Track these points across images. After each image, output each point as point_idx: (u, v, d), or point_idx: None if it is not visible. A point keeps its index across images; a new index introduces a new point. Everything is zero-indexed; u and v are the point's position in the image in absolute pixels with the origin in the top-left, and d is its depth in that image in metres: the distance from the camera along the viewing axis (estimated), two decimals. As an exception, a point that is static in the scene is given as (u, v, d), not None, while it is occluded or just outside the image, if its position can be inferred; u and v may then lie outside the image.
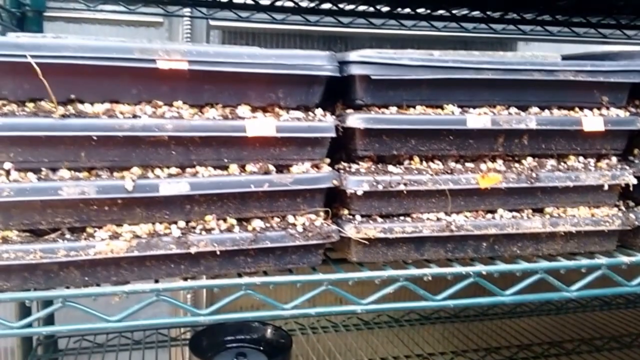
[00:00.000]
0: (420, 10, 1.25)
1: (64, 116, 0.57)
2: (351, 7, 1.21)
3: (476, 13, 1.27)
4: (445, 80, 0.69)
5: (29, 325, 0.58)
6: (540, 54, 0.78)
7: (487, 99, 0.72)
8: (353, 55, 0.67)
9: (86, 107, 0.59)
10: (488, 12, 1.27)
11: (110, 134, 0.58)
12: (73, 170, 0.59)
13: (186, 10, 1.21)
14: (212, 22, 1.25)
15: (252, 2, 1.16)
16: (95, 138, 0.58)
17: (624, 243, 0.80)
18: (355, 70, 0.67)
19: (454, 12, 1.26)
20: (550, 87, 0.73)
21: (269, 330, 0.92)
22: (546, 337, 1.37)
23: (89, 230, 0.60)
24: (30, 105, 0.58)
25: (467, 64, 0.69)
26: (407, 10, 1.25)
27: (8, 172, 0.57)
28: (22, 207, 0.57)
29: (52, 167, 0.58)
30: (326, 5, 1.21)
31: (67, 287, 0.60)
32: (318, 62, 0.65)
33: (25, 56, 0.55)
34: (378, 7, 1.22)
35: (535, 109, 0.74)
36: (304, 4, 1.20)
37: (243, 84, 0.64)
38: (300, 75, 0.64)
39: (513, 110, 0.73)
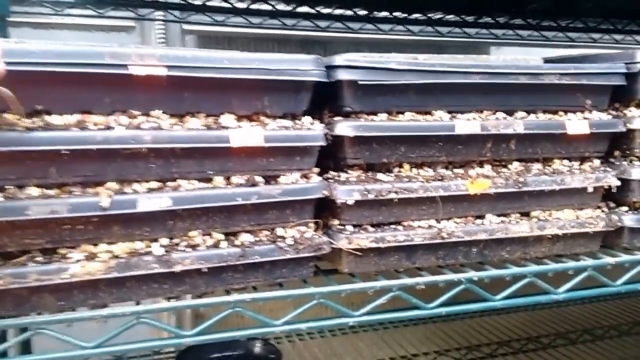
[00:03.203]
0: (397, 14, 1.21)
1: (30, 129, 0.50)
2: (328, 10, 1.16)
3: (451, 17, 1.23)
4: (433, 85, 0.64)
5: (3, 354, 0.51)
6: (522, 58, 0.74)
7: (475, 104, 0.68)
8: (339, 60, 0.62)
9: (55, 119, 0.52)
10: (462, 16, 1.24)
11: (83, 147, 0.51)
12: (42, 187, 0.52)
13: (159, 14, 1.14)
14: (186, 27, 1.18)
15: (228, 5, 1.10)
16: (65, 152, 0.51)
17: (606, 243, 0.76)
18: (342, 75, 0.61)
19: (429, 15, 1.22)
20: (536, 90, 0.70)
21: (257, 346, 0.86)
22: (524, 332, 1.35)
23: (62, 251, 0.53)
24: (-7, 117, 0.51)
25: (455, 68, 0.65)
26: (385, 13, 1.20)
27: (-30, 192, 0.50)
28: (-13, 229, 0.50)
29: (19, 185, 0.51)
30: (303, 9, 1.15)
31: (39, 313, 0.53)
32: (304, 66, 0.59)
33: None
34: (355, 10, 1.18)
35: (521, 113, 0.70)
36: (280, 7, 1.14)
37: (226, 91, 0.57)
38: (286, 80, 0.59)
39: (500, 114, 0.69)
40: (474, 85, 0.66)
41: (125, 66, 0.52)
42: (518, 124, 0.67)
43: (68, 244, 0.53)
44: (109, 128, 0.52)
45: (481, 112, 0.68)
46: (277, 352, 0.86)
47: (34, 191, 0.51)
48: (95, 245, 0.54)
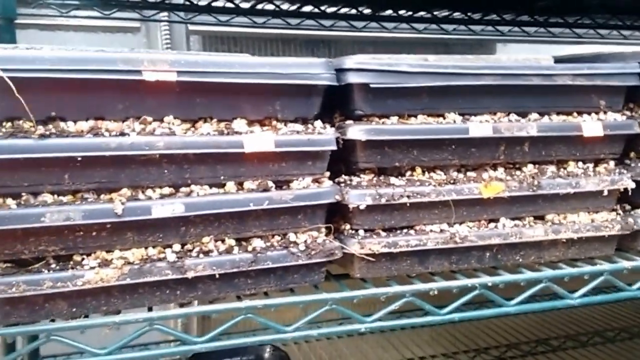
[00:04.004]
0: (401, 12, 1.21)
1: (44, 136, 0.51)
2: (333, 9, 1.16)
3: (457, 14, 1.24)
4: (445, 87, 0.64)
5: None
6: (534, 58, 0.75)
7: (487, 106, 0.68)
8: (350, 63, 0.62)
9: (69, 126, 0.52)
10: (469, 14, 1.24)
11: (96, 154, 0.52)
12: (56, 194, 0.53)
13: (164, 15, 1.15)
14: (191, 27, 1.18)
15: (232, 6, 1.10)
16: (79, 159, 0.52)
17: (621, 247, 0.77)
18: (353, 78, 0.62)
19: (435, 13, 1.22)
20: (549, 92, 0.70)
21: (267, 351, 0.86)
22: (533, 334, 1.35)
23: (77, 258, 0.54)
24: (7, 125, 0.51)
25: (467, 69, 0.65)
26: (389, 12, 1.21)
27: (-16, 199, 0.50)
28: (1, 236, 0.51)
29: (33, 192, 0.52)
30: (307, 8, 1.15)
31: (53, 320, 0.54)
32: (315, 70, 0.60)
33: (-3, 71, 0.49)
34: (360, 9, 1.18)
35: (534, 115, 0.70)
36: (285, 7, 1.14)
37: (237, 95, 0.58)
38: (297, 85, 0.59)
39: (513, 116, 0.69)
40: (487, 87, 0.66)
41: (138, 72, 0.52)
42: (532, 126, 0.68)
43: (82, 251, 0.54)
44: (122, 134, 0.53)
45: (494, 114, 0.69)
46: (286, 357, 0.86)
47: (48, 198, 0.52)
48: (109, 251, 0.54)
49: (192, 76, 0.54)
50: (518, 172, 0.70)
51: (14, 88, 0.49)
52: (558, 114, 0.72)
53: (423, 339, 1.31)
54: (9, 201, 0.51)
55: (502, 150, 0.68)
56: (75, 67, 0.51)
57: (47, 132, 0.51)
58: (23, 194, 0.52)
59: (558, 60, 0.74)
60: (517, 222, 0.70)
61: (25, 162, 0.50)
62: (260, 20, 1.15)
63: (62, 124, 0.52)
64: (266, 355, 0.86)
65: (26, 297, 0.51)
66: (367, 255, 0.63)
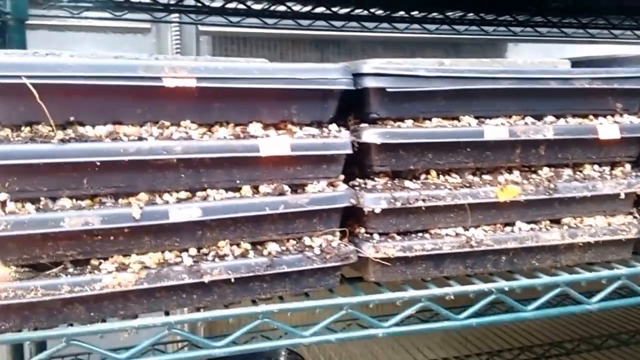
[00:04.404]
0: (413, 13, 1.22)
1: (63, 141, 0.52)
2: (345, 10, 1.17)
3: (470, 15, 1.24)
4: (462, 90, 0.65)
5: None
6: (550, 61, 0.75)
7: (503, 109, 0.69)
8: (367, 67, 0.63)
9: (87, 130, 0.53)
10: (481, 15, 1.25)
11: (115, 159, 0.53)
12: (75, 198, 0.53)
13: (174, 16, 1.16)
14: (201, 28, 1.19)
15: (243, 7, 1.11)
16: (98, 163, 0.52)
17: (637, 250, 0.77)
18: (370, 83, 0.63)
19: (447, 14, 1.23)
20: (566, 95, 0.70)
21: (282, 354, 0.87)
22: (546, 337, 1.36)
23: (94, 262, 0.54)
24: (26, 129, 0.52)
25: (483, 73, 0.66)
26: (401, 13, 1.21)
27: (4, 204, 0.51)
28: (20, 241, 0.51)
29: (52, 196, 0.53)
30: (319, 9, 1.16)
31: (71, 324, 0.55)
32: (332, 75, 0.61)
33: (20, 77, 0.50)
34: (371, 10, 1.18)
35: (550, 118, 0.71)
36: (296, 8, 1.15)
37: (254, 100, 0.59)
38: (313, 89, 0.60)
39: (529, 119, 0.69)
40: (503, 91, 0.67)
41: (158, 78, 0.53)
42: (548, 129, 0.68)
43: (100, 255, 0.54)
44: (140, 139, 0.54)
45: (510, 117, 0.69)
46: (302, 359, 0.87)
47: (66, 202, 0.53)
48: (127, 256, 0.55)
49: (211, 82, 0.55)
50: (534, 176, 0.70)
51: (36, 94, 0.49)
52: (574, 116, 0.72)
53: (434, 341, 1.31)
54: (28, 206, 0.52)
55: (517, 153, 0.69)
56: (96, 74, 0.52)
57: (67, 137, 0.52)
58: (42, 198, 0.52)
59: (575, 63, 0.74)
60: (533, 225, 0.70)
61: (45, 167, 0.51)
62: (271, 21, 1.15)
63: (80, 129, 0.53)
64: (281, 358, 0.87)
65: (44, 302, 0.52)
66: (382, 259, 0.63)
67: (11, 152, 0.50)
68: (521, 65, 0.70)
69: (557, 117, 0.71)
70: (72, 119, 0.53)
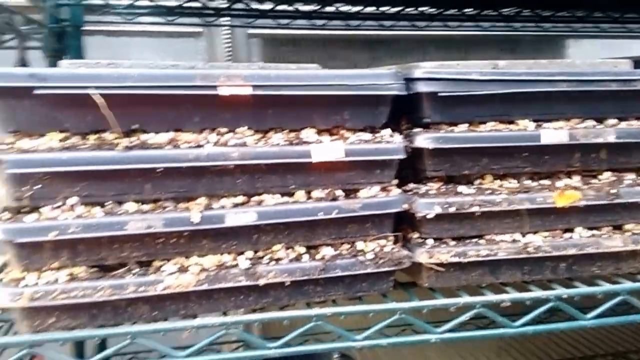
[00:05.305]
0: (466, 10, 1.22)
1: (128, 148, 0.56)
2: (394, 9, 1.19)
3: (525, 12, 1.24)
4: (517, 94, 0.66)
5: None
6: (610, 61, 0.75)
7: (562, 112, 0.69)
8: (418, 72, 0.65)
9: (149, 138, 0.58)
10: (538, 10, 1.24)
11: (175, 165, 0.57)
12: (138, 202, 0.58)
13: (225, 20, 1.21)
14: (251, 31, 1.24)
15: (292, 9, 1.15)
16: (160, 170, 0.57)
17: None
18: (422, 87, 0.64)
19: (502, 11, 1.23)
20: (627, 97, 0.70)
21: (335, 357, 0.90)
22: (609, 347, 1.33)
23: (157, 263, 0.59)
24: (93, 137, 0.57)
25: (539, 76, 0.67)
26: (453, 10, 1.22)
27: (73, 207, 0.56)
28: (89, 242, 0.56)
29: (117, 200, 0.57)
30: (368, 9, 1.19)
31: (135, 323, 0.59)
32: (383, 80, 0.63)
33: (87, 88, 0.54)
34: (422, 8, 1.20)
35: (612, 121, 0.71)
36: (344, 8, 1.18)
37: (307, 106, 0.62)
38: (365, 95, 0.63)
39: (589, 122, 0.70)
40: (561, 93, 0.68)
41: (214, 87, 0.57)
42: (609, 132, 0.68)
43: (162, 257, 0.59)
44: (199, 146, 0.58)
45: (568, 120, 0.70)
46: (354, 364, 0.90)
47: (131, 207, 0.57)
48: (187, 258, 0.59)
49: (266, 90, 0.59)
50: (594, 180, 0.71)
51: (104, 104, 0.54)
52: (637, 119, 0.72)
53: (491, 349, 1.31)
54: (96, 210, 0.57)
55: (577, 158, 0.69)
56: (156, 84, 0.56)
57: (131, 145, 0.56)
58: (108, 203, 0.57)
59: (637, 62, 0.74)
60: (593, 231, 0.70)
61: (111, 173, 0.56)
62: (320, 22, 1.19)
63: (143, 136, 0.57)
64: (334, 362, 0.90)
65: (111, 301, 0.57)
66: (435, 264, 0.65)
67: (80, 159, 0.55)
68: (579, 67, 0.71)
69: (620, 119, 0.71)
70: (135, 126, 0.58)
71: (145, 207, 0.58)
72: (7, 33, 0.89)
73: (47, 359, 0.57)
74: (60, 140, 0.56)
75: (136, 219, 0.56)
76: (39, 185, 0.55)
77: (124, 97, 0.56)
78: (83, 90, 0.54)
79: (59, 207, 0.56)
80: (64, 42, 1.08)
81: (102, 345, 0.82)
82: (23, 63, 1.01)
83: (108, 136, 0.57)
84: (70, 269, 0.57)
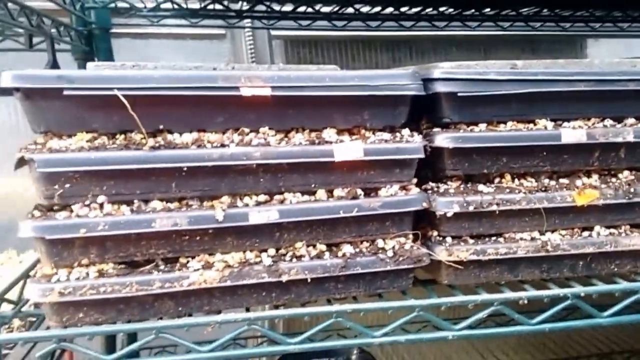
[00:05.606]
0: (485, 10, 1.21)
1: (154, 148, 0.57)
2: (414, 10, 1.18)
3: (544, 11, 1.22)
4: (536, 93, 0.65)
5: (131, 355, 0.58)
6: (628, 60, 0.74)
7: (580, 111, 0.68)
8: (437, 72, 0.64)
9: (175, 137, 0.58)
10: (557, 10, 1.22)
11: (200, 164, 0.57)
12: (164, 201, 0.58)
13: (247, 22, 1.21)
14: (273, 32, 1.24)
15: (312, 11, 1.15)
16: (185, 169, 0.57)
17: None
18: (440, 87, 0.64)
19: (521, 11, 1.21)
20: (647, 96, 0.69)
21: (354, 353, 0.90)
22: (627, 344, 1.31)
23: (182, 260, 0.59)
24: (121, 137, 0.58)
25: (557, 76, 0.66)
26: (472, 10, 1.21)
27: (102, 206, 0.57)
28: (117, 240, 0.57)
29: (144, 199, 0.58)
30: (388, 10, 1.18)
31: (160, 318, 0.60)
32: (402, 81, 0.63)
33: (113, 89, 0.55)
34: (441, 9, 1.19)
35: (631, 120, 0.70)
36: (364, 9, 1.17)
37: (327, 107, 0.62)
38: (385, 96, 0.62)
39: (608, 122, 0.69)
40: (579, 93, 0.67)
41: (236, 88, 0.57)
42: (628, 131, 0.67)
43: (187, 254, 0.59)
44: (223, 145, 0.58)
45: (587, 119, 0.69)
46: (373, 359, 0.90)
47: (157, 205, 0.58)
48: (211, 254, 0.60)
49: (286, 90, 0.59)
50: (613, 179, 0.70)
51: (128, 105, 0.55)
52: (657, 118, 0.71)
53: (509, 345, 1.30)
54: (123, 208, 0.57)
55: (596, 157, 0.68)
56: (180, 85, 0.56)
57: (157, 144, 0.57)
58: (135, 201, 0.58)
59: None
60: (612, 230, 0.70)
61: (138, 172, 0.57)
62: (340, 23, 1.19)
63: (169, 136, 0.58)
64: (353, 357, 0.90)
65: (138, 297, 0.57)
66: (454, 262, 0.65)
67: (108, 158, 0.56)
68: (598, 67, 0.70)
69: (638, 119, 0.70)
70: (161, 127, 0.58)
71: (171, 205, 0.58)
72: (38, 36, 0.91)
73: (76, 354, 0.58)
74: (89, 141, 0.57)
75: (162, 216, 0.57)
76: (69, 184, 0.56)
77: (149, 98, 0.56)
78: (110, 92, 0.55)
79: (88, 205, 0.57)
80: (92, 44, 1.09)
81: (132, 339, 0.83)
82: (53, 65, 1.03)
83: (134, 136, 0.57)
84: (98, 266, 0.57)
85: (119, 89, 0.55)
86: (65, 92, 0.54)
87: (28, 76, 0.54)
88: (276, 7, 1.12)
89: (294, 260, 0.61)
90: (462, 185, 0.67)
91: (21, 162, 0.55)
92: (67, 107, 0.56)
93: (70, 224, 0.55)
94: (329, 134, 0.62)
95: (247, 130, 0.60)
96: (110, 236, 0.56)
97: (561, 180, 0.68)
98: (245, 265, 0.60)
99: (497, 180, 0.68)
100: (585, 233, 0.69)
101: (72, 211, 0.56)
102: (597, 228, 0.69)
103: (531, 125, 0.67)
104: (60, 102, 0.55)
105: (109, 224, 0.56)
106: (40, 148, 0.56)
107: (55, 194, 0.56)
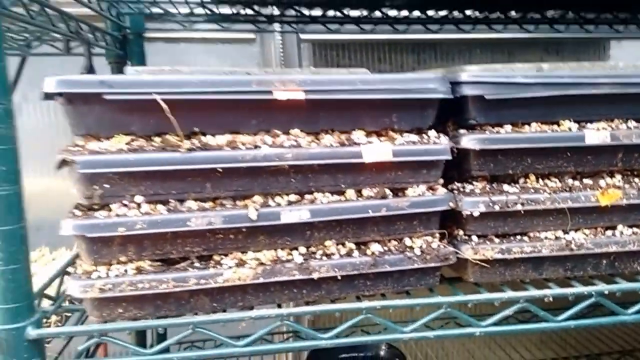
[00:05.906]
0: (511, 14, 1.20)
1: (190, 150, 0.58)
2: (440, 13, 1.18)
3: (569, 15, 1.21)
4: (561, 96, 0.65)
5: (166, 350, 0.59)
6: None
7: (604, 113, 0.68)
8: (464, 76, 0.64)
9: (209, 139, 0.59)
10: (581, 13, 1.21)
11: (234, 166, 0.58)
12: (199, 200, 0.59)
13: (276, 26, 1.22)
14: (302, 36, 1.25)
15: (341, 15, 1.15)
16: (220, 170, 0.58)
17: None
18: (468, 90, 0.64)
19: (546, 14, 1.20)
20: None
21: (382, 348, 0.91)
22: (617, 345, 1.29)
23: (216, 258, 0.61)
24: (157, 139, 0.59)
25: (583, 79, 0.65)
26: (497, 14, 1.20)
27: (140, 205, 0.58)
28: (154, 238, 0.58)
29: (180, 199, 0.59)
30: (414, 14, 1.18)
31: (196, 314, 0.61)
32: (430, 84, 0.63)
33: (151, 93, 0.56)
34: (467, 12, 1.18)
35: (656, 121, 0.69)
36: (392, 14, 1.17)
37: (357, 109, 0.63)
38: (413, 99, 0.63)
39: (632, 123, 0.68)
40: (604, 96, 0.66)
41: (269, 92, 0.58)
42: (652, 133, 0.67)
43: (221, 252, 0.60)
44: (256, 147, 0.59)
45: (611, 120, 0.68)
46: (401, 355, 0.90)
47: (192, 204, 0.59)
48: (244, 252, 0.61)
49: (318, 94, 0.59)
50: (637, 179, 0.69)
51: (166, 109, 0.56)
52: (681, 119, 0.70)
53: (532, 341, 1.29)
54: (160, 207, 0.59)
55: (620, 157, 0.68)
56: (215, 89, 0.57)
57: (193, 146, 0.58)
58: (171, 201, 0.59)
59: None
60: (635, 229, 0.69)
61: (174, 173, 0.58)
62: (368, 27, 1.19)
63: (203, 138, 0.59)
64: (382, 352, 0.91)
65: (174, 293, 0.59)
66: (480, 260, 0.65)
67: (146, 160, 0.57)
68: (622, 69, 0.69)
69: (663, 120, 0.69)
70: (196, 129, 0.59)
71: (206, 204, 0.59)
72: (75, 40, 0.93)
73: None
74: (127, 143, 0.58)
75: (198, 215, 0.58)
76: (108, 185, 0.57)
77: (186, 102, 0.57)
78: (147, 96, 0.56)
79: (126, 204, 0.58)
80: (126, 48, 1.11)
81: (163, 334, 0.85)
82: (90, 69, 1.05)
83: (170, 138, 0.59)
84: (136, 263, 0.59)
85: (157, 93, 0.56)
86: (107, 97, 0.56)
87: (71, 81, 0.56)
88: (306, 12, 1.13)
89: (324, 258, 0.62)
90: (487, 186, 0.67)
91: (63, 163, 0.57)
92: (107, 111, 0.57)
93: (110, 222, 0.57)
94: (358, 135, 0.63)
95: (279, 132, 0.61)
96: (147, 235, 0.57)
97: (585, 181, 0.68)
98: (277, 263, 0.61)
99: (521, 180, 0.67)
100: (609, 232, 0.69)
101: (111, 210, 0.58)
102: (620, 227, 0.69)
103: (555, 127, 0.67)
104: (101, 106, 0.57)
105: (147, 223, 0.57)
106: (81, 150, 0.57)
107: (95, 194, 0.57)
